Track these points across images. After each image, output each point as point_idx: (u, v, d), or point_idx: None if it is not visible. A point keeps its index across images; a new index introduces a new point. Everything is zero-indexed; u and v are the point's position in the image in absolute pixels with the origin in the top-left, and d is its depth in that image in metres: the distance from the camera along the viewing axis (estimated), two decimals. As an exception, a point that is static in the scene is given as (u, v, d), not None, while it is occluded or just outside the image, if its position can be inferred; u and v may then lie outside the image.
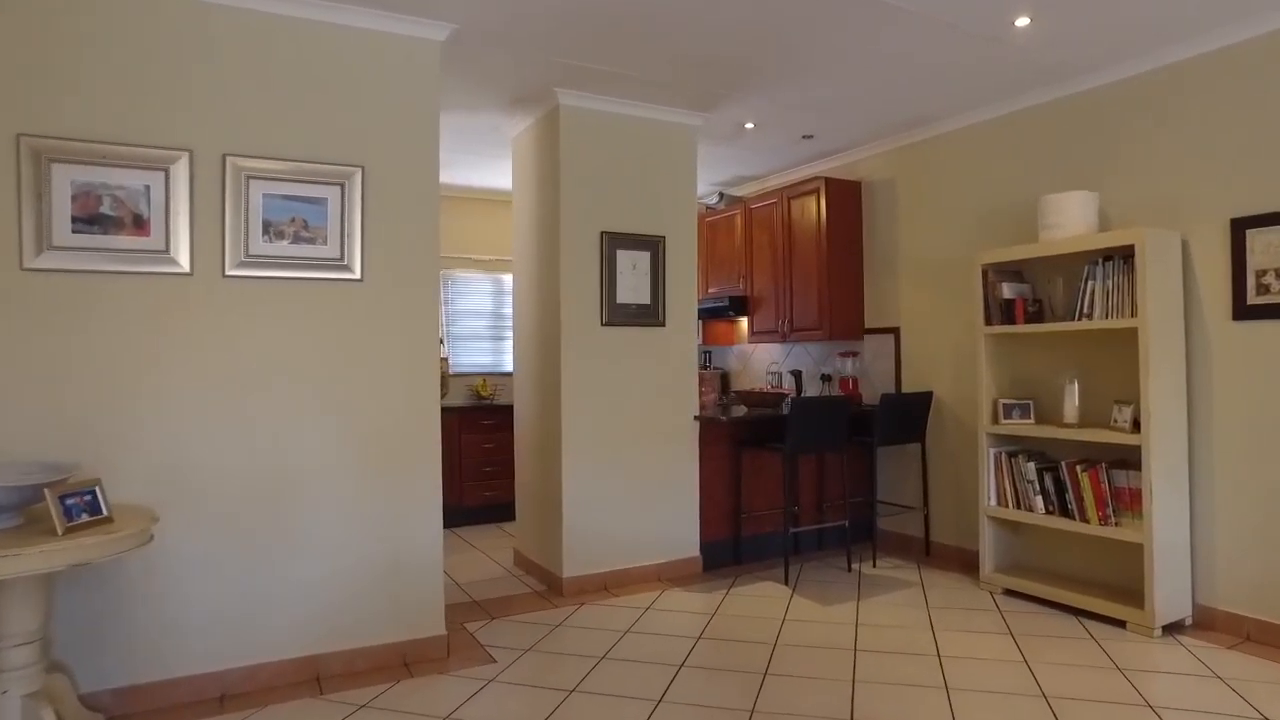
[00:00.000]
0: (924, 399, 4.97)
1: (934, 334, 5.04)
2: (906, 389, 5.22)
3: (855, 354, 5.48)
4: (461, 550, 5.40)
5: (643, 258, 4.51)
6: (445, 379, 6.46)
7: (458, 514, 6.13)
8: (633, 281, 4.48)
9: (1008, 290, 4.27)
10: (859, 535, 5.18)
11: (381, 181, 3.30)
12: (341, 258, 3.20)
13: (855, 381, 5.45)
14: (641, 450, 4.51)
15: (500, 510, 6.24)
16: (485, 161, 5.75)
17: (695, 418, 4.67)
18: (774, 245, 5.87)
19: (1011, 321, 4.22)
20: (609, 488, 4.42)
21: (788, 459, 4.49)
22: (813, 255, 5.49)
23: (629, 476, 4.47)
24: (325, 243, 3.16)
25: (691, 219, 4.73)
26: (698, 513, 4.70)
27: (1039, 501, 4.08)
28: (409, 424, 3.40)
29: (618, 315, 4.43)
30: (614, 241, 4.42)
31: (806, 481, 5.16)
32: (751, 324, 6.12)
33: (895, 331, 5.31)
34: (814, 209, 5.49)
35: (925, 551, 5.05)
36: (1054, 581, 4.07)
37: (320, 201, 3.15)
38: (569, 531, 4.30)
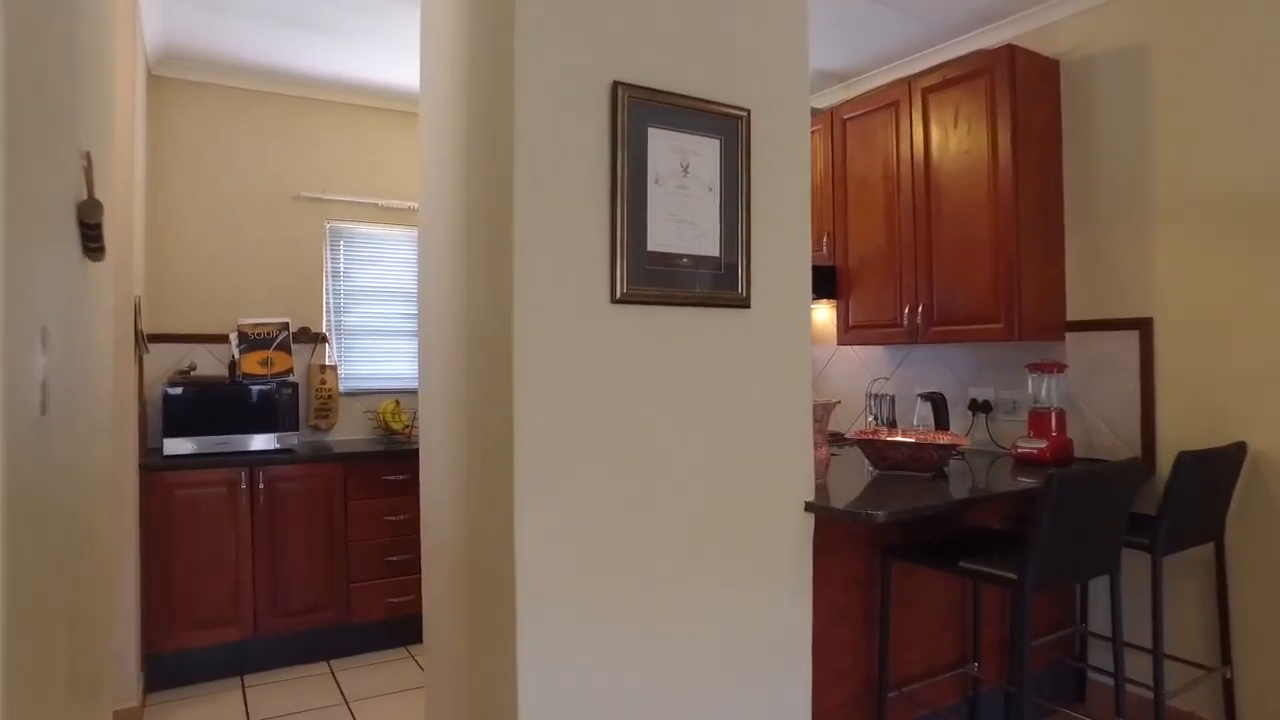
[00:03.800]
0: (1232, 460, 2.53)
1: (1244, 331, 2.61)
2: (1168, 435, 2.78)
3: (1060, 368, 3.03)
4: (328, 736, 2.84)
5: (705, 152, 2.01)
6: (331, 400, 3.88)
7: (344, 637, 3.56)
8: (681, 203, 1.97)
9: None
10: (1063, 694, 2.74)
11: None
12: None
13: (1061, 418, 3.00)
14: (693, 581, 1.99)
15: (413, 625, 3.68)
16: (390, 21, 3.21)
17: (808, 506, 2.18)
18: (891, 179, 3.41)
19: None
20: (624, 669, 1.89)
21: (1025, 596, 2.00)
22: (980, 192, 3.04)
23: (665, 639, 1.95)
24: None
25: (800, 80, 2.23)
26: (809, 703, 2.20)
27: None
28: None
29: (648, 279, 1.91)
30: (642, 108, 1.91)
31: (960, 612, 2.70)
32: (844, 314, 3.65)
33: (1142, 327, 2.87)
34: (980, 109, 3.04)
35: (1221, 749, 2.62)
36: None
37: None
38: (533, 790, 1.77)
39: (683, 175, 1.97)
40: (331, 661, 3.52)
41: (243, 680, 3.33)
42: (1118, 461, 2.14)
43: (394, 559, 3.62)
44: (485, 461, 1.93)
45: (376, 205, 4.19)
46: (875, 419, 3.62)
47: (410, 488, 3.67)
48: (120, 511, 2.87)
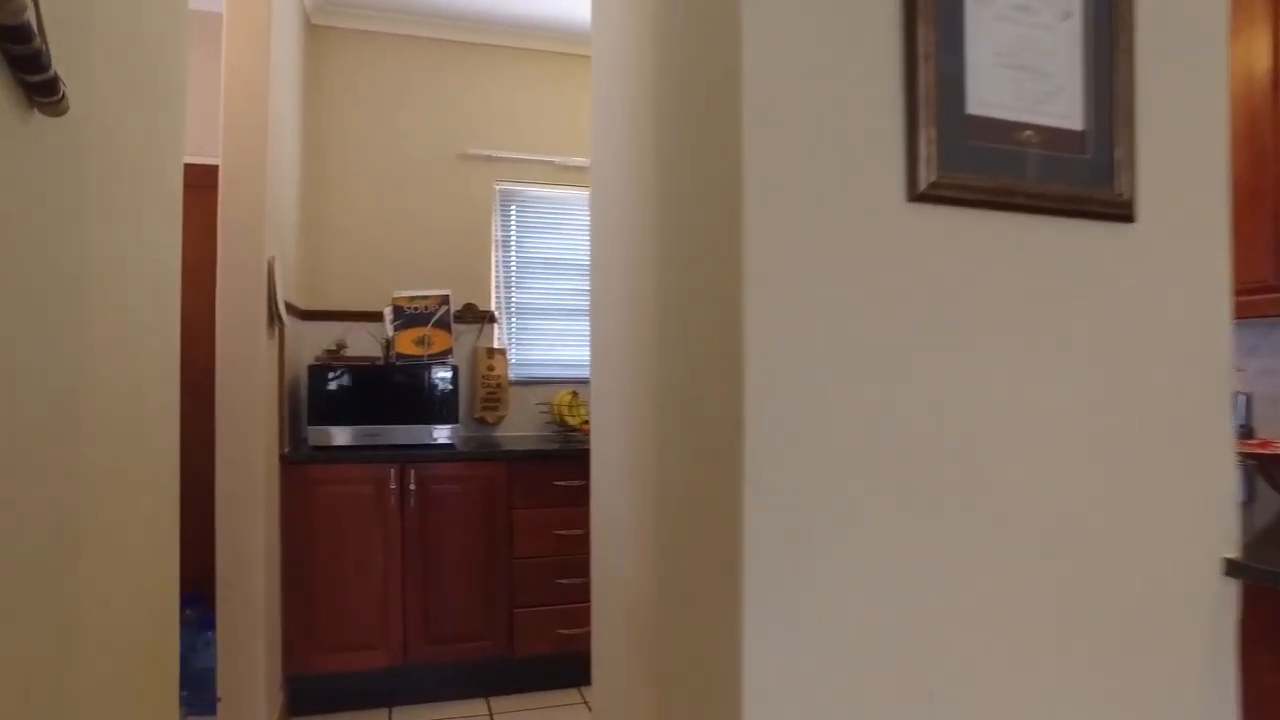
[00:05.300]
0: None
1: None
2: None
3: None
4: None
5: (1060, -48, 1.17)
6: (500, 390, 3.34)
7: (505, 671, 2.98)
8: (1021, 39, 1.14)
9: None
10: None
11: None
12: None
13: None
14: (1036, 689, 1.15)
15: (587, 663, 3.04)
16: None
17: (1231, 567, 1.26)
18: (1258, 78, 2.35)
19: None
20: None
21: None
22: None
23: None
24: None
25: None
26: None
27: None
28: None
29: (970, 162, 1.10)
30: (958, -127, 1.11)
31: None
32: (1173, 278, 2.60)
33: None
34: None
35: None
36: None
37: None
38: None
39: (1024, 8, 1.14)
40: (491, 699, 2.94)
41: (390, 713, 2.83)
42: None
43: (565, 582, 3.00)
44: (687, 479, 1.20)
45: (553, 164, 3.62)
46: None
47: (587, 496, 3.05)
48: (251, 510, 2.42)
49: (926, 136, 1.06)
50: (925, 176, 1.06)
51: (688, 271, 1.20)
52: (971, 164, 1.09)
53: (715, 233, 1.09)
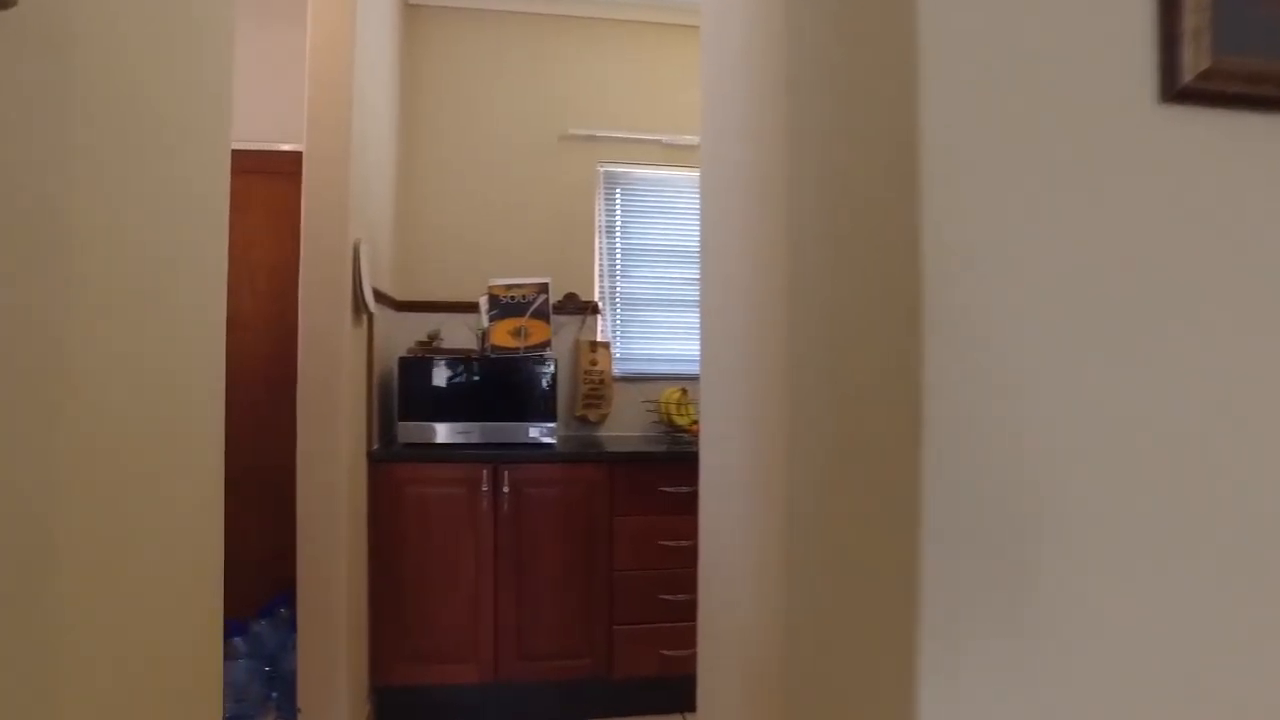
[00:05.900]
0: None
1: None
2: None
3: None
4: None
5: None
6: (603, 386, 3.10)
7: (603, 693, 2.73)
8: None
9: None
10: None
11: None
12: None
13: None
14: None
15: (693, 688, 2.76)
16: None
17: None
18: None
19: None
20: None
21: None
22: None
23: None
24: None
25: None
26: None
27: None
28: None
29: (1258, 41, 0.74)
30: None
31: None
32: None
33: None
34: None
35: None
36: None
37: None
38: None
39: None
40: (592, 724, 2.70)
41: (482, 733, 2.64)
42: None
43: (670, 598, 2.72)
44: (830, 494, 0.90)
45: (660, 143, 3.35)
46: None
47: (696, 504, 2.76)
48: (332, 510, 2.27)
49: (1193, 3, 0.71)
50: (1191, 63, 0.71)
51: (836, 237, 0.90)
52: (1263, 44, 0.73)
53: (877, 172, 0.78)
